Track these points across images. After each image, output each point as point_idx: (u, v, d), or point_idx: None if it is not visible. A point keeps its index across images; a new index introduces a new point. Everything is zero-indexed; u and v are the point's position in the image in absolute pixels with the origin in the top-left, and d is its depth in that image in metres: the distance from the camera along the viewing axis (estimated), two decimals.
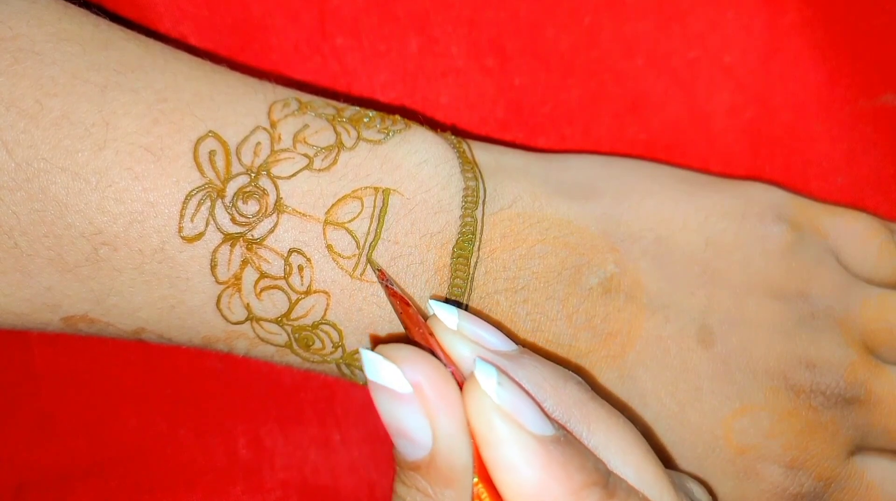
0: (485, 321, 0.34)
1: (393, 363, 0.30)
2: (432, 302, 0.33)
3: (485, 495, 0.29)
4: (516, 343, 0.34)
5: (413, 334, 0.33)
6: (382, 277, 0.36)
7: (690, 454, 0.39)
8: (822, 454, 0.39)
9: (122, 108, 0.35)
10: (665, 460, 0.39)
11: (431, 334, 0.33)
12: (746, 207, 0.42)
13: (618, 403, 0.38)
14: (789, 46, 0.46)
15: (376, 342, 0.37)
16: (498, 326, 0.37)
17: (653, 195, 0.41)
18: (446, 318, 0.33)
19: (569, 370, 0.33)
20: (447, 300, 0.37)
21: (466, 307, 0.37)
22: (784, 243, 0.41)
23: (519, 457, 0.29)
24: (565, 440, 0.30)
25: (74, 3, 0.38)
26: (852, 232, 0.43)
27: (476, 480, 0.29)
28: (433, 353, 0.31)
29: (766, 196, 0.43)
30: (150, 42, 0.38)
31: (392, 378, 0.30)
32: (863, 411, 0.40)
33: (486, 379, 0.30)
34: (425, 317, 0.34)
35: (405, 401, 0.30)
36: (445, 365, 0.31)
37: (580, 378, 0.33)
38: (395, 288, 0.35)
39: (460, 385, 0.30)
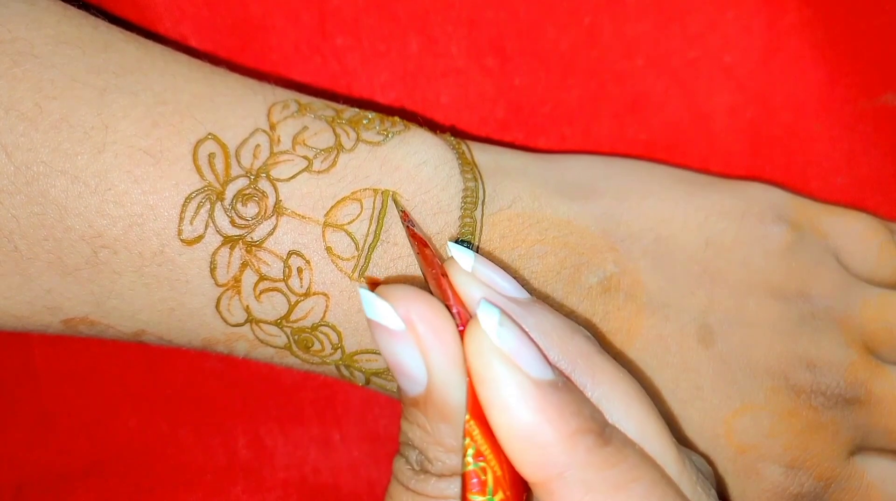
0: (503, 269, 0.34)
1: (386, 301, 0.30)
2: (451, 244, 0.33)
3: (476, 432, 0.29)
4: (530, 294, 0.34)
5: (428, 274, 0.33)
6: (405, 217, 0.36)
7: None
8: (823, 454, 0.39)
9: (122, 111, 0.35)
10: (670, 422, 0.39)
11: (445, 274, 0.33)
12: (746, 207, 0.42)
13: (627, 363, 0.38)
14: (789, 46, 0.46)
15: (375, 285, 0.36)
16: (516, 277, 0.37)
17: (653, 195, 0.41)
18: (462, 259, 0.33)
19: (579, 325, 0.34)
20: (466, 245, 0.37)
21: (479, 250, 0.37)
22: (784, 242, 0.41)
23: (514, 397, 0.29)
24: (564, 386, 0.30)
25: (74, 5, 0.38)
26: (852, 232, 0.43)
27: (468, 417, 0.29)
28: (446, 296, 0.32)
29: (766, 196, 0.43)
30: (150, 44, 0.38)
31: (385, 315, 0.30)
32: (863, 411, 0.40)
33: (487, 319, 0.30)
34: (443, 260, 0.34)
35: (399, 337, 0.30)
36: (452, 305, 0.31)
37: (589, 333, 0.33)
38: (416, 230, 0.35)
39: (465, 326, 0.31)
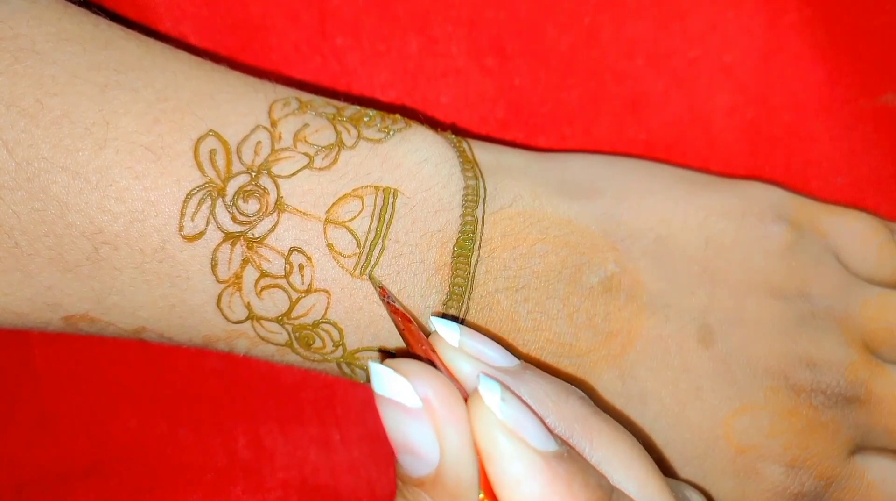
0: (486, 335, 0.34)
1: (403, 377, 0.30)
2: (433, 319, 0.33)
3: None
4: (518, 358, 0.34)
5: (415, 350, 0.33)
6: (384, 294, 0.36)
7: (691, 453, 0.39)
8: (823, 453, 0.39)
9: (123, 107, 0.35)
10: (664, 468, 0.39)
11: (434, 350, 0.33)
12: (746, 206, 0.42)
13: (620, 416, 0.38)
14: (789, 46, 0.46)
15: (385, 357, 0.37)
16: (498, 340, 0.37)
17: (653, 195, 0.41)
18: (447, 334, 0.33)
19: (571, 384, 0.34)
20: (445, 316, 0.37)
21: (463, 321, 0.37)
22: (784, 242, 0.41)
23: (523, 473, 0.29)
24: (569, 456, 0.30)
25: (75, 3, 0.38)
26: (852, 232, 0.43)
27: (482, 496, 0.29)
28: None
29: (766, 196, 0.43)
30: (151, 41, 0.38)
31: (402, 392, 0.30)
32: (863, 410, 0.40)
33: (490, 395, 0.30)
34: (427, 333, 0.34)
35: (413, 416, 0.30)
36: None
37: (582, 393, 0.33)
38: (397, 305, 0.35)
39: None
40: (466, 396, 0.31)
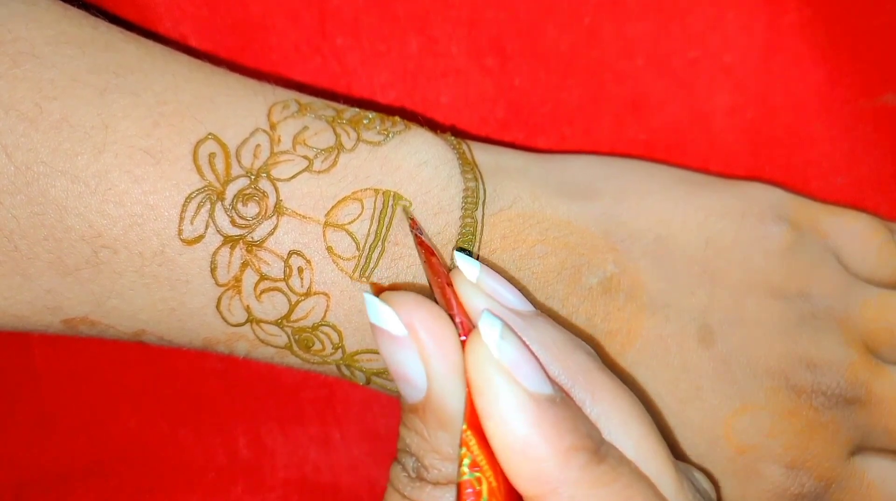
0: (508, 280, 0.34)
1: (389, 306, 0.31)
2: (457, 253, 0.34)
3: (473, 442, 0.29)
4: (534, 307, 0.34)
5: (433, 283, 0.34)
6: (414, 225, 0.36)
7: (691, 453, 0.39)
8: (823, 454, 0.39)
9: (122, 111, 0.35)
10: (671, 446, 0.39)
11: (450, 284, 0.33)
12: (746, 206, 0.42)
13: (629, 381, 0.38)
14: (789, 46, 0.46)
15: (379, 290, 0.37)
16: (520, 288, 0.37)
17: (652, 195, 0.41)
18: (468, 270, 0.33)
19: (582, 340, 0.34)
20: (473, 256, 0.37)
21: (478, 256, 0.38)
22: (784, 242, 0.41)
23: (510, 410, 0.29)
24: (562, 401, 0.30)
25: (74, 5, 0.38)
26: (852, 232, 0.43)
27: (465, 427, 0.29)
28: (450, 305, 0.32)
29: (766, 196, 0.43)
30: (150, 44, 0.38)
31: (389, 321, 0.31)
32: (863, 411, 0.40)
33: (489, 331, 0.30)
34: (448, 270, 0.34)
35: (401, 343, 0.31)
36: (455, 314, 0.31)
37: (591, 349, 0.33)
38: (424, 238, 0.35)
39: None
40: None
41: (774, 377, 0.39)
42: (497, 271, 0.35)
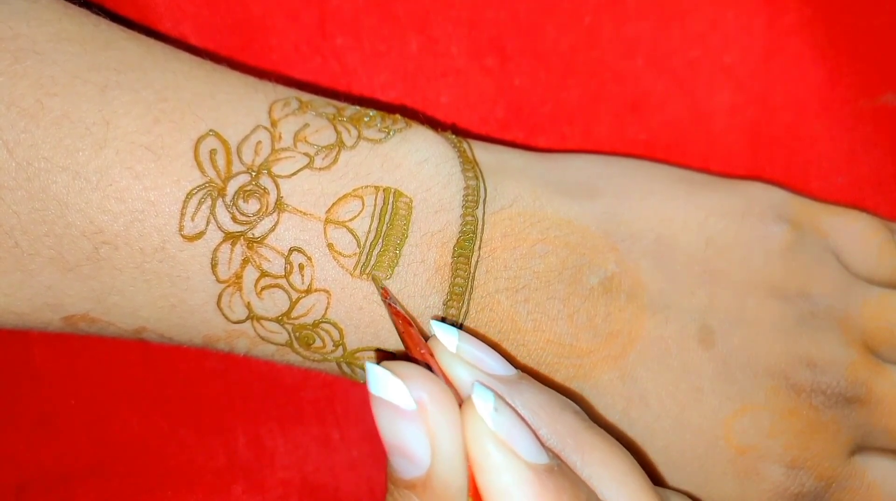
0: (484, 342, 0.34)
1: (399, 379, 0.30)
2: (433, 323, 0.34)
3: None
4: (515, 368, 0.34)
5: (414, 353, 0.33)
6: (385, 295, 0.36)
7: (691, 454, 0.39)
8: (823, 453, 0.39)
9: (123, 107, 0.35)
10: (655, 478, 0.39)
11: (432, 355, 0.33)
12: (747, 206, 0.42)
13: (614, 431, 0.38)
14: (789, 46, 0.46)
15: (381, 358, 0.37)
16: (497, 349, 0.37)
17: (653, 195, 0.41)
18: (446, 340, 0.33)
19: (567, 397, 0.34)
20: (445, 320, 0.37)
21: (462, 326, 0.37)
22: (784, 242, 0.41)
23: (512, 485, 0.29)
24: (559, 469, 0.30)
25: (75, 3, 0.38)
26: (852, 232, 0.43)
27: None
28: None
29: (766, 196, 0.43)
30: (151, 42, 0.38)
31: (397, 394, 0.30)
32: (864, 410, 0.40)
33: (483, 404, 0.30)
34: (427, 337, 0.34)
35: (407, 418, 0.30)
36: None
37: (577, 407, 0.33)
38: (398, 307, 0.35)
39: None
40: (462, 402, 0.31)
41: (775, 376, 0.39)
42: (474, 335, 0.35)
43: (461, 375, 0.32)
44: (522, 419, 0.31)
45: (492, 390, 0.31)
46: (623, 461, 0.32)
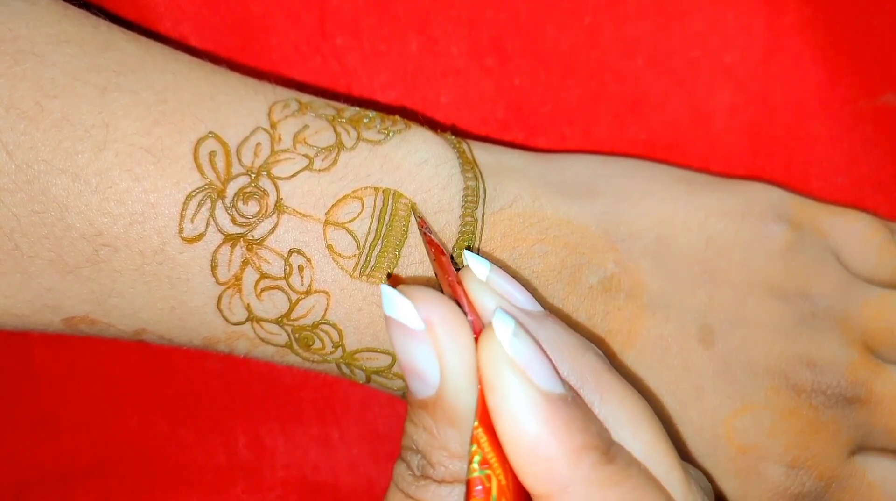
0: (517, 280, 0.34)
1: (408, 299, 0.31)
2: (466, 252, 0.34)
3: (483, 440, 0.29)
4: (543, 308, 0.34)
5: (443, 281, 0.34)
6: (423, 224, 0.36)
7: (692, 453, 0.39)
8: (824, 453, 0.39)
9: (122, 109, 0.35)
10: (676, 444, 0.39)
11: (460, 282, 0.33)
12: (747, 206, 0.42)
13: (637, 384, 0.38)
14: (789, 46, 0.46)
15: (396, 283, 0.37)
16: (529, 288, 0.37)
17: (653, 195, 0.41)
18: (478, 268, 0.33)
19: (591, 343, 0.34)
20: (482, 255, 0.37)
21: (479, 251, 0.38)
22: (784, 242, 0.41)
23: (522, 408, 0.29)
24: (572, 401, 0.30)
25: (74, 5, 0.38)
26: (852, 232, 0.43)
27: (477, 424, 0.29)
28: (459, 303, 0.32)
29: (766, 196, 0.43)
30: (150, 43, 0.38)
31: (406, 314, 0.31)
32: (864, 410, 0.40)
33: (502, 328, 0.30)
34: (458, 268, 0.34)
35: (417, 337, 0.30)
36: (467, 313, 0.31)
37: (600, 351, 0.33)
38: (433, 237, 0.35)
39: (478, 335, 0.31)
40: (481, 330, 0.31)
41: (775, 376, 0.39)
42: (506, 271, 0.35)
43: (488, 304, 0.32)
44: (541, 349, 0.31)
45: (513, 318, 0.31)
46: (641, 407, 0.32)
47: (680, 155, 0.47)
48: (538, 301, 0.34)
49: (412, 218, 0.37)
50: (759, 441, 0.39)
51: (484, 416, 0.29)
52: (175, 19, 0.45)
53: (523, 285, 0.34)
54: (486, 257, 0.37)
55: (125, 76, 0.36)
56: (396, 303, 0.31)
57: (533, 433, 0.29)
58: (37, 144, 0.34)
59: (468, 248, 0.37)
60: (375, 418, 0.48)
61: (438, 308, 0.30)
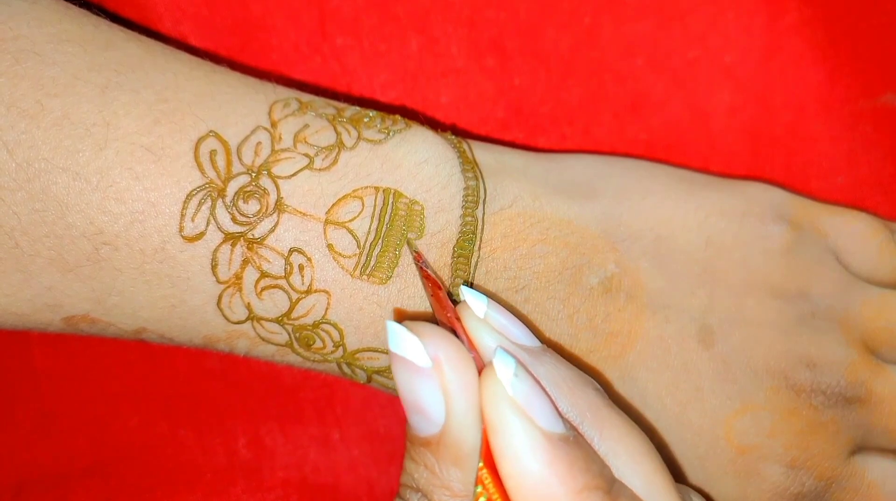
0: (513, 314, 0.34)
1: (416, 337, 0.31)
2: (464, 288, 0.34)
3: (488, 480, 0.29)
4: (541, 342, 0.34)
5: (440, 317, 0.34)
6: (418, 258, 0.36)
7: (691, 454, 0.39)
8: (823, 453, 0.39)
9: (123, 108, 0.35)
10: (675, 472, 0.39)
11: (458, 319, 0.33)
12: (746, 206, 0.42)
13: (635, 415, 0.38)
14: (789, 46, 0.46)
15: (402, 317, 0.37)
16: (526, 322, 0.37)
17: (653, 195, 0.41)
18: (475, 305, 0.33)
19: (589, 376, 0.34)
20: (478, 289, 0.37)
21: (472, 285, 0.37)
22: (784, 242, 0.41)
23: (525, 449, 0.29)
24: (574, 440, 0.30)
25: (75, 4, 0.38)
26: (852, 232, 0.43)
27: (481, 465, 0.29)
28: (458, 338, 0.32)
29: (766, 196, 0.43)
30: (151, 42, 0.38)
31: (414, 351, 0.31)
32: (863, 410, 0.40)
33: (503, 368, 0.30)
34: (455, 303, 0.34)
35: (423, 375, 0.30)
36: (468, 350, 0.31)
37: (598, 385, 0.33)
38: (430, 271, 0.35)
39: (479, 372, 0.31)
40: (482, 368, 0.31)
41: (774, 376, 0.39)
42: (503, 305, 0.35)
43: (486, 341, 0.32)
44: (542, 388, 0.31)
45: (513, 356, 0.31)
46: (641, 442, 0.32)
47: (680, 155, 0.47)
48: (536, 336, 0.34)
49: (414, 218, 0.37)
50: (758, 442, 0.39)
51: (487, 456, 0.30)
52: (175, 19, 0.45)
53: (522, 321, 0.34)
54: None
55: (126, 75, 0.36)
56: (403, 340, 0.31)
57: (536, 474, 0.29)
58: (37, 142, 0.34)
59: (465, 283, 0.37)
60: (376, 418, 0.48)
61: (445, 346, 0.31)
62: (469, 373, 0.30)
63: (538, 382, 0.31)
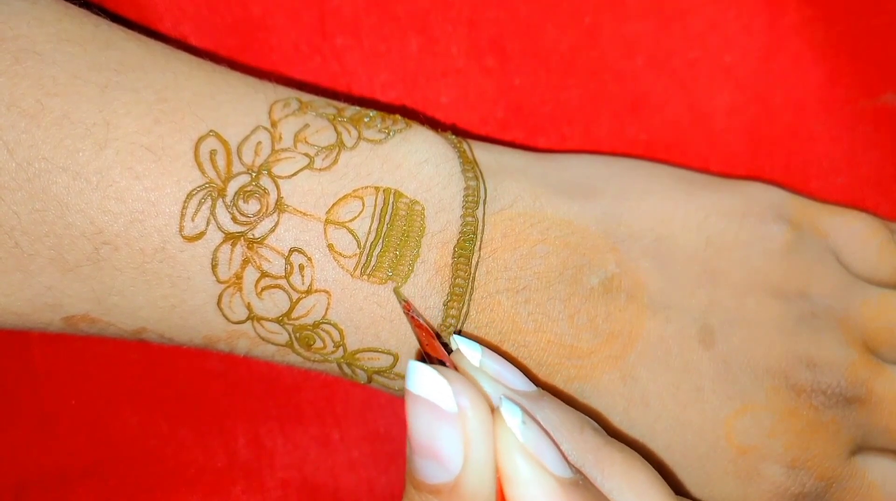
0: (507, 360, 0.34)
1: (445, 380, 0.30)
2: (457, 337, 0.34)
3: None
4: (536, 385, 0.34)
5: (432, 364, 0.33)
6: (408, 308, 0.36)
7: (692, 454, 0.39)
8: (824, 453, 0.39)
9: (123, 107, 0.35)
10: (674, 484, 0.39)
11: (455, 368, 0.33)
12: (747, 206, 0.42)
13: (631, 442, 0.38)
14: (789, 46, 0.46)
15: (421, 358, 0.36)
16: (520, 367, 0.37)
17: (653, 195, 0.41)
18: (470, 354, 0.33)
19: (584, 413, 0.34)
20: (468, 336, 0.37)
21: (462, 328, 0.37)
22: (784, 242, 0.41)
23: (540, 497, 0.29)
24: (584, 484, 0.30)
25: (75, 4, 0.38)
26: (852, 232, 0.43)
27: None
28: None
29: (766, 195, 0.43)
30: (151, 42, 0.38)
31: (441, 395, 0.30)
32: (864, 410, 0.40)
33: (511, 418, 0.30)
34: (449, 351, 0.34)
35: (446, 420, 0.30)
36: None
37: (595, 424, 0.33)
38: (421, 320, 0.35)
39: None
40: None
41: (775, 376, 0.39)
42: (495, 351, 0.35)
43: (484, 389, 0.32)
44: (548, 434, 0.31)
45: (519, 405, 0.31)
46: (644, 473, 0.32)
47: (680, 155, 0.47)
48: (529, 379, 0.34)
49: (414, 218, 0.37)
50: (759, 442, 0.39)
51: None
52: (175, 19, 0.45)
53: (516, 365, 0.35)
54: (485, 263, 0.37)
55: (126, 75, 0.36)
56: (432, 383, 0.30)
57: None
58: (37, 142, 0.34)
59: (458, 332, 0.37)
60: (376, 419, 0.48)
61: (471, 394, 0.30)
62: (490, 424, 0.30)
63: (545, 429, 0.31)
